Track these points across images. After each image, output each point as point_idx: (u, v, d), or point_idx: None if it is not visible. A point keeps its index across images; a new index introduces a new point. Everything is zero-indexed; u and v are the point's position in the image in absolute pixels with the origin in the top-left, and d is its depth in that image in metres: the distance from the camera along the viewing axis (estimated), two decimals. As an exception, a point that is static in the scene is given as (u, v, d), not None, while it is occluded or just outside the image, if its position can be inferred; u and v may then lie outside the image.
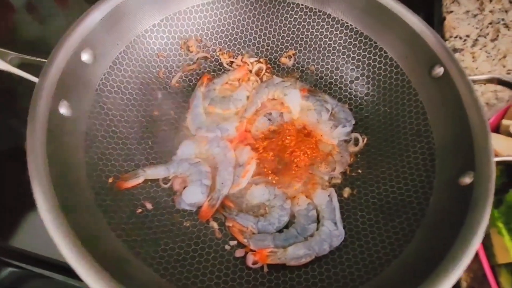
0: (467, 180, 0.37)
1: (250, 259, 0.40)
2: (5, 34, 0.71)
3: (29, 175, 0.31)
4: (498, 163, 0.38)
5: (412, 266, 0.35)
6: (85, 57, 0.42)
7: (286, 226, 0.44)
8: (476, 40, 0.69)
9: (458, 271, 0.30)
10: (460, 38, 0.69)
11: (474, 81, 0.43)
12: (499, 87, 0.59)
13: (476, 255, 0.42)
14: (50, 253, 0.44)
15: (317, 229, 0.43)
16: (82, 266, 0.27)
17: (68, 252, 0.28)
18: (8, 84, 0.58)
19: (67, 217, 0.30)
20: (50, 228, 0.28)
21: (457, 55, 0.67)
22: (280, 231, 0.44)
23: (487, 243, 0.42)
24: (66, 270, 0.42)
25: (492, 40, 0.68)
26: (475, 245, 0.32)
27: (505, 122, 0.49)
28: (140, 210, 0.41)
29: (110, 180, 0.41)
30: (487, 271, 0.40)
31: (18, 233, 0.46)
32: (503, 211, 0.43)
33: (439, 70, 0.45)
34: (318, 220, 0.44)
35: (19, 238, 0.46)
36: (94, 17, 0.42)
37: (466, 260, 0.31)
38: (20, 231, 0.46)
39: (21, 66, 0.40)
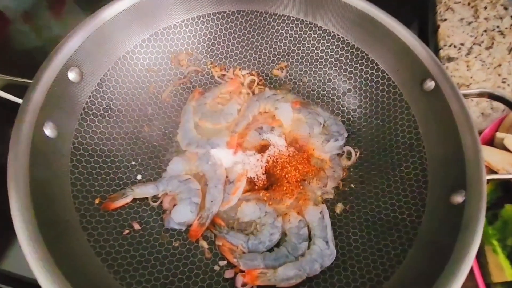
0: (459, 198, 0.36)
1: (240, 280, 0.39)
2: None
3: (10, 203, 0.30)
4: (490, 180, 0.37)
5: (404, 287, 0.35)
6: (72, 76, 0.42)
7: (277, 244, 0.44)
8: (471, 48, 0.68)
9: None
10: (455, 46, 0.68)
11: (465, 95, 0.42)
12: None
13: (472, 273, 0.41)
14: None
15: (309, 247, 0.42)
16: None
17: (45, 281, 0.27)
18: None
19: (46, 242, 0.30)
20: (29, 260, 0.28)
21: (451, 64, 0.66)
22: (270, 249, 0.43)
23: (482, 261, 0.41)
24: None
25: (487, 48, 0.68)
26: (467, 266, 0.31)
27: (499, 135, 0.48)
28: (127, 231, 0.41)
29: (97, 201, 0.41)
30: (482, 290, 0.39)
31: (5, 256, 0.45)
32: (498, 227, 0.43)
33: (430, 84, 0.44)
34: (309, 238, 0.44)
35: (6, 261, 0.45)
36: (80, 35, 0.42)
37: (458, 283, 0.30)
38: (7, 254, 0.45)
39: (7, 87, 0.40)
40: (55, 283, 0.27)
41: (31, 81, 0.38)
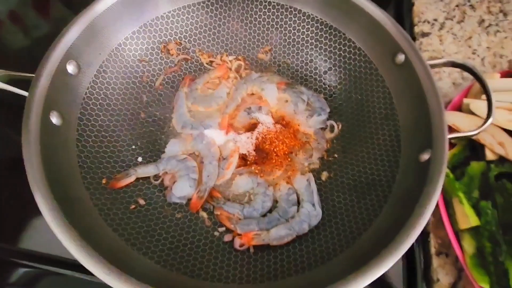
0: (425, 156, 0.41)
1: (237, 242, 0.44)
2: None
3: (28, 182, 0.34)
4: (453, 138, 0.42)
5: (379, 234, 0.40)
6: (70, 68, 0.45)
7: (270, 211, 0.48)
8: (443, 23, 0.72)
9: (415, 233, 0.35)
10: (428, 22, 0.72)
11: (432, 66, 0.46)
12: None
13: (442, 223, 0.46)
14: (57, 251, 0.48)
15: (298, 211, 0.47)
16: (88, 260, 0.31)
17: (73, 248, 0.32)
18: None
19: (67, 216, 0.34)
20: (52, 227, 0.32)
21: (425, 39, 0.70)
22: (264, 215, 0.48)
23: (450, 212, 0.47)
24: (74, 266, 0.47)
25: (459, 22, 0.72)
26: (430, 210, 0.36)
27: (466, 101, 0.53)
28: (133, 206, 0.45)
29: (104, 181, 0.45)
30: (451, 236, 0.45)
31: (25, 236, 0.49)
32: (465, 182, 0.48)
33: (401, 57, 0.48)
34: (298, 203, 0.48)
35: (26, 240, 0.49)
36: (75, 30, 0.45)
37: (422, 223, 0.35)
38: (27, 234, 0.50)
39: (10, 82, 0.43)
40: (78, 244, 0.32)
41: (33, 75, 0.41)
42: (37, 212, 0.33)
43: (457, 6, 0.74)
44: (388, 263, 0.33)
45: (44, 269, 0.48)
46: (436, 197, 0.36)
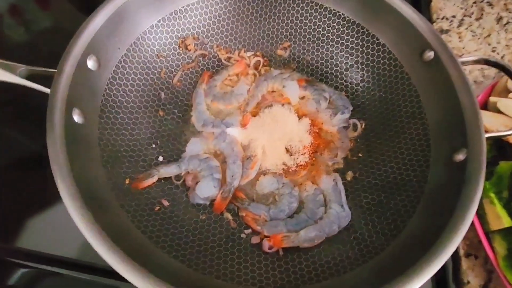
0: (460, 156, 0.40)
1: (266, 244, 0.43)
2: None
3: (55, 182, 0.32)
4: (488, 138, 0.41)
5: (415, 238, 0.39)
6: (91, 63, 0.43)
7: (296, 212, 0.47)
8: (462, 20, 0.71)
9: (457, 240, 0.33)
10: (447, 19, 0.71)
11: (463, 63, 0.45)
12: (485, 65, 0.62)
13: (471, 224, 0.46)
14: (57, 251, 0.46)
15: (325, 212, 0.46)
16: (119, 263, 0.30)
17: (104, 251, 0.30)
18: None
19: (95, 218, 0.32)
20: (83, 230, 0.31)
21: (444, 36, 0.69)
22: (290, 216, 0.46)
23: (480, 213, 0.46)
24: (74, 265, 0.45)
25: (477, 19, 0.71)
26: (471, 215, 0.35)
27: (492, 99, 0.52)
28: (158, 208, 0.43)
29: (127, 181, 0.43)
30: (482, 237, 0.44)
31: (23, 235, 0.48)
32: (494, 182, 0.47)
33: (429, 54, 0.47)
34: (325, 204, 0.47)
35: (25, 239, 0.47)
36: (96, 23, 0.43)
37: (463, 229, 0.34)
38: (25, 233, 0.48)
39: (28, 77, 0.41)
40: (108, 247, 0.30)
41: (55, 70, 0.39)
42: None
43: (474, 3, 0.73)
44: (430, 271, 0.32)
45: (43, 269, 0.46)
46: (477, 199, 0.35)
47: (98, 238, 0.31)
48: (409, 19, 0.49)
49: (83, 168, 0.36)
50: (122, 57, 0.49)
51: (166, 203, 0.44)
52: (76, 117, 0.39)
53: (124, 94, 0.49)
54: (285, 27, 0.60)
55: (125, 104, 0.49)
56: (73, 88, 0.39)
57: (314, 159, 0.51)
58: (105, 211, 0.36)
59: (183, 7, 0.55)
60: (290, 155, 0.51)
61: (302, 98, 0.56)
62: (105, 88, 0.46)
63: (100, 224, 0.32)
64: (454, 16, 0.72)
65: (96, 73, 0.44)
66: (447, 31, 0.70)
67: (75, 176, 0.34)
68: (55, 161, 0.33)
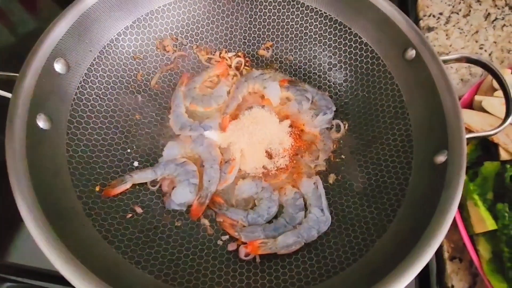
0: (441, 158, 0.38)
1: (243, 251, 0.41)
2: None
3: (12, 191, 0.31)
4: (472, 138, 0.40)
5: (395, 242, 0.37)
6: (58, 67, 0.42)
7: (276, 216, 0.46)
8: (449, 17, 0.70)
9: (435, 245, 0.32)
10: (434, 16, 0.70)
11: (445, 61, 0.44)
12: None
13: (456, 227, 0.44)
14: (44, 264, 0.44)
15: (305, 216, 0.45)
16: (76, 277, 0.28)
17: (59, 264, 0.28)
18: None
19: (55, 229, 0.31)
20: (38, 241, 0.29)
21: (431, 33, 0.68)
22: (269, 221, 0.45)
23: (464, 215, 0.44)
24: (62, 279, 0.43)
25: (465, 16, 0.70)
26: (450, 219, 0.34)
27: (477, 98, 0.51)
28: (130, 215, 0.42)
29: (97, 188, 0.41)
30: (466, 241, 0.43)
31: (10, 248, 0.46)
32: (478, 183, 0.46)
33: (411, 53, 0.46)
34: (305, 208, 0.46)
35: (12, 253, 0.46)
36: (62, 26, 0.41)
37: (443, 232, 0.33)
38: (13, 246, 0.46)
39: (-7, 82, 0.40)
40: (65, 259, 0.29)
41: (17, 74, 0.38)
42: (20, 225, 0.30)
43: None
44: (408, 276, 0.31)
45: (29, 283, 0.44)
46: (456, 202, 0.34)
47: (55, 250, 0.29)
48: (389, 16, 0.47)
49: (46, 178, 0.35)
50: (94, 60, 0.47)
51: (139, 210, 0.43)
52: (42, 123, 0.38)
53: (97, 97, 0.47)
54: (267, 27, 0.58)
55: (98, 108, 0.47)
56: (38, 92, 0.38)
57: (295, 162, 0.50)
58: (69, 220, 0.35)
59: (160, 7, 0.53)
60: (270, 158, 0.49)
61: (286, 98, 0.55)
62: (76, 92, 0.44)
63: (60, 236, 0.30)
64: (441, 13, 0.70)
65: (65, 76, 0.43)
66: (434, 29, 0.68)
67: (34, 185, 0.32)
68: (13, 170, 0.32)
